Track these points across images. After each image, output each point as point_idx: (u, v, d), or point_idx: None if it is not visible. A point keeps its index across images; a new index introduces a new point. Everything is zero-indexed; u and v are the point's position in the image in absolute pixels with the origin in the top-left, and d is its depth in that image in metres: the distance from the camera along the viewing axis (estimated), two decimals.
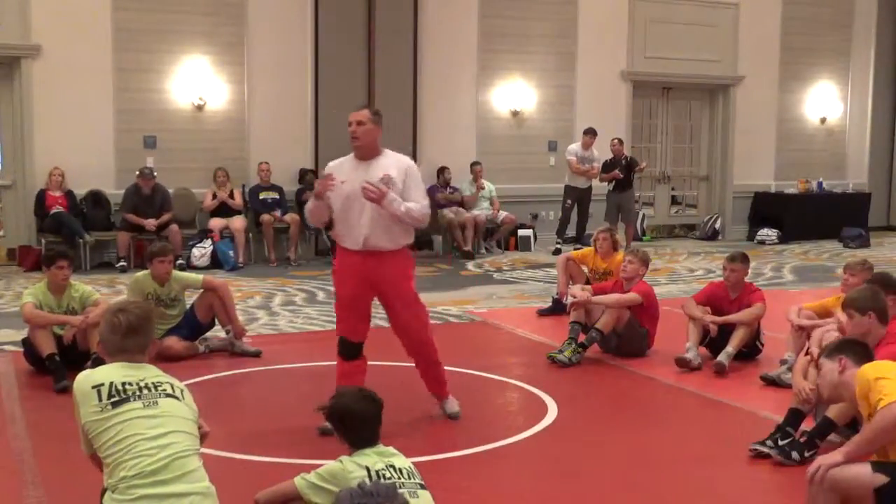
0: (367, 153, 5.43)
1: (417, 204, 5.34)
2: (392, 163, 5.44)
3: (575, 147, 14.12)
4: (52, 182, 12.01)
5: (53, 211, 11.88)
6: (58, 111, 12.22)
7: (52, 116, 12.23)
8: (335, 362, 5.67)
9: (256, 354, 7.33)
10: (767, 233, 16.10)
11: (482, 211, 14.07)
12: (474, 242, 13.84)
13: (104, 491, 3.37)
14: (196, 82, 12.96)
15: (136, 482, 3.29)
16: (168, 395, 3.52)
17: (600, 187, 14.30)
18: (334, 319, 8.78)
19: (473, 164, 14.34)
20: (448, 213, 13.81)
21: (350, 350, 5.59)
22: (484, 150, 14.69)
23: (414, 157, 14.02)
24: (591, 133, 14.03)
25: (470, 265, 12.91)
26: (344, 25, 13.64)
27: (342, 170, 5.46)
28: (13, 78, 12.36)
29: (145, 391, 3.48)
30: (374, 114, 5.47)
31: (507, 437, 5.46)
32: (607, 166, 14.06)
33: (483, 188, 14.24)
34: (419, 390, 6.40)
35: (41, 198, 12.04)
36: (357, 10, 13.72)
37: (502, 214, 14.34)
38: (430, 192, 14.06)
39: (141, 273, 7.54)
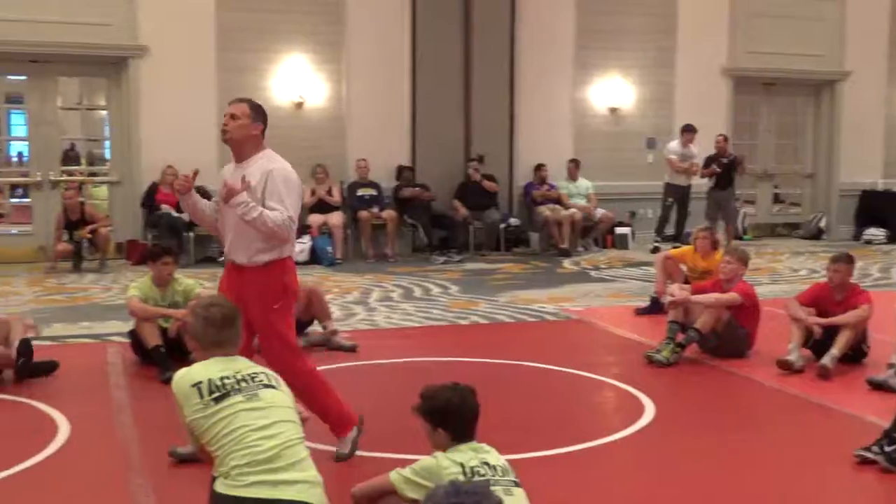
0: (239, 153, 4.79)
1: (274, 213, 4.57)
2: (259, 166, 4.70)
3: (674, 144, 13.93)
4: (165, 180, 12.31)
5: (159, 211, 12.19)
6: (163, 109, 12.54)
7: (158, 115, 12.55)
8: (430, 358, 5.67)
9: (353, 349, 7.40)
10: (875, 232, 15.63)
11: (579, 208, 13.95)
12: (571, 240, 13.74)
13: (215, 478, 3.44)
14: (296, 80, 13.16)
15: (247, 470, 3.36)
16: (266, 386, 3.59)
17: (700, 185, 14.07)
18: (431, 316, 8.94)
19: (570, 161, 14.26)
20: (545, 210, 13.75)
21: None
22: (581, 147, 14.58)
23: (510, 154, 14.05)
24: (690, 130, 13.81)
25: (566, 263, 12.83)
26: (441, 23, 13.69)
27: (225, 171, 4.89)
28: (121, 78, 12.73)
29: (244, 384, 3.55)
30: (253, 108, 4.81)
31: (602, 436, 5.41)
32: (708, 162, 13.83)
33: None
34: (513, 386, 6.40)
35: (152, 192, 12.37)
36: (454, 7, 13.76)
37: (600, 212, 14.23)
38: (527, 188, 14.07)
39: None
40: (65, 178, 13.16)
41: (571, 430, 5.51)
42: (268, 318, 4.74)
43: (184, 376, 3.59)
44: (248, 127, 4.75)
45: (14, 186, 14.83)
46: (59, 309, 9.21)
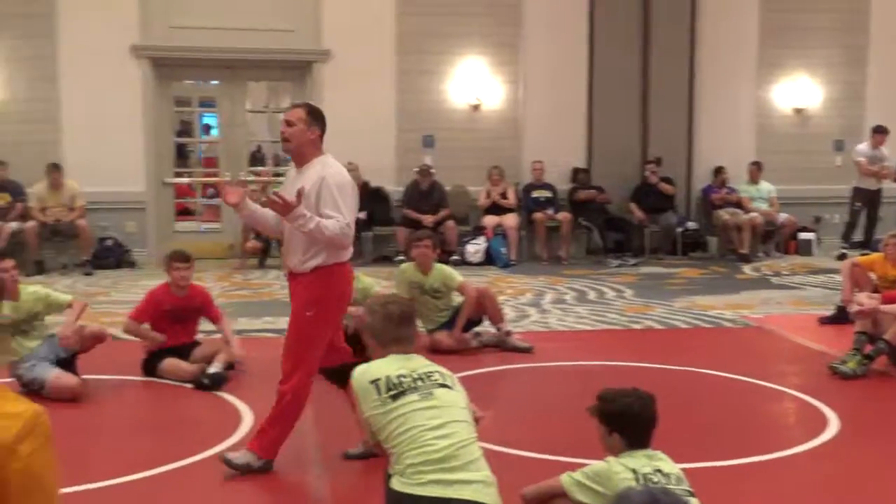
0: (298, 159, 4.75)
1: (331, 220, 4.53)
2: (315, 172, 4.64)
3: (863, 147, 13.29)
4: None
5: None
6: (344, 112, 12.82)
7: (339, 117, 12.78)
8: (604, 362, 5.61)
9: (528, 351, 7.41)
10: None
11: (760, 212, 13.50)
12: (751, 245, 13.32)
13: (390, 475, 3.51)
14: (473, 83, 13.28)
15: (423, 469, 3.41)
16: (441, 385, 3.63)
17: (892, 189, 13.38)
18: (605, 320, 8.86)
19: (752, 164, 13.83)
20: (724, 214, 13.39)
21: (330, 377, 5.07)
22: (763, 149, 14.11)
23: (689, 156, 13.76)
24: (881, 131, 13.15)
25: (746, 268, 12.45)
26: (619, 24, 13.54)
27: (287, 178, 4.89)
28: (305, 81, 13.18)
29: (419, 382, 3.60)
30: (309, 113, 4.73)
31: (782, 449, 5.22)
32: None
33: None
34: (688, 393, 6.26)
35: None
36: (633, 7, 13.59)
37: (782, 216, 13.73)
38: (706, 192, 13.73)
39: (405, 264, 7.83)
40: (252, 178, 13.72)
41: (749, 441, 5.34)
42: (297, 321, 4.68)
43: (363, 372, 3.68)
44: (304, 132, 4.68)
45: (205, 186, 15.55)
46: (243, 304, 9.62)
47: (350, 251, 4.77)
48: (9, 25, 12.10)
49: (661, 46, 13.61)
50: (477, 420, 3.72)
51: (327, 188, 4.55)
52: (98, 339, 6.44)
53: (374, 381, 3.60)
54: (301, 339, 4.68)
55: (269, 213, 4.78)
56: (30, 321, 6.21)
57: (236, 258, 12.48)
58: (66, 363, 6.28)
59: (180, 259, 6.67)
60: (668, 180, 13.48)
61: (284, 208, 4.46)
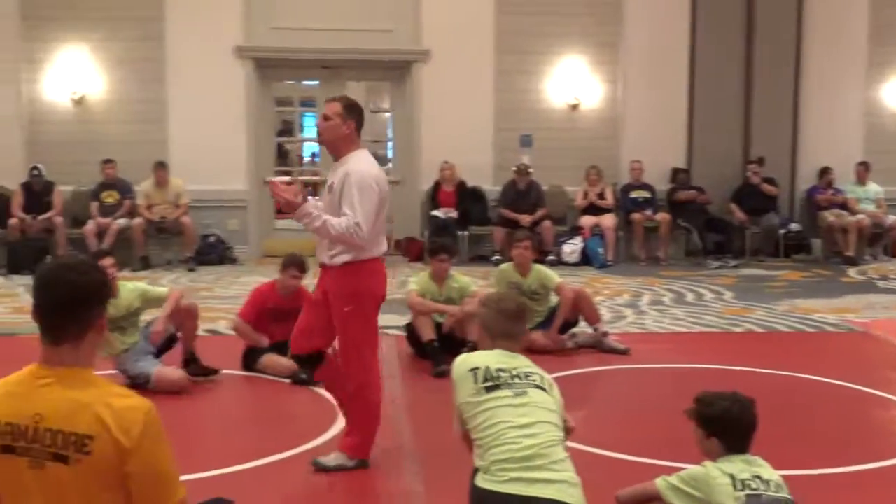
0: (335, 153, 4.72)
1: (340, 219, 4.49)
2: (343, 169, 4.61)
3: None
4: (443, 176, 12.77)
5: (434, 212, 12.61)
6: (443, 112, 12.96)
7: (438, 117, 12.98)
8: (702, 365, 5.52)
9: (625, 352, 7.35)
10: None
11: (867, 214, 13.11)
12: (858, 247, 12.94)
13: (475, 471, 3.53)
14: (571, 82, 13.20)
15: (506, 466, 3.42)
16: (536, 386, 3.62)
17: None
18: (703, 322, 8.72)
19: (859, 164, 13.44)
20: (829, 215, 13.04)
21: (302, 364, 5.07)
22: (872, 150, 13.68)
23: (792, 156, 13.45)
24: None
25: (851, 272, 12.11)
26: (722, 21, 13.30)
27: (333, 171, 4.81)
28: (405, 81, 13.29)
29: (516, 380, 3.61)
30: (345, 107, 4.66)
31: (886, 458, 5.06)
32: None
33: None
34: (789, 399, 6.13)
35: (436, 189, 12.83)
36: (736, 5, 13.34)
37: (890, 218, 13.29)
38: (810, 192, 13.41)
39: (505, 264, 7.84)
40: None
41: (854, 448, 5.20)
42: (340, 320, 4.66)
43: (465, 360, 3.71)
44: (339, 127, 4.64)
45: (305, 185, 15.81)
46: None
47: (382, 247, 4.78)
48: (121, 28, 12.48)
49: (765, 43, 13.32)
50: (569, 430, 3.69)
51: (349, 185, 4.53)
52: (191, 314, 6.55)
53: (474, 370, 3.62)
54: (348, 338, 4.70)
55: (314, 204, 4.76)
56: (128, 317, 6.37)
57: None
58: (168, 349, 6.47)
59: (300, 269, 6.83)
60: (770, 181, 13.19)
61: (289, 206, 4.51)
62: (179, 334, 6.57)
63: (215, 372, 6.50)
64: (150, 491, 2.46)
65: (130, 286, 6.48)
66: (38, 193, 12.09)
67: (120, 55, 12.55)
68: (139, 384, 6.12)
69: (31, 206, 12.02)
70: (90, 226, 11.89)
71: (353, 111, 4.70)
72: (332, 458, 4.78)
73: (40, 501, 2.41)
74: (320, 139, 4.76)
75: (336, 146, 4.69)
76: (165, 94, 12.61)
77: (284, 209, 4.62)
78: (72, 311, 2.48)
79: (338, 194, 4.56)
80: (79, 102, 12.59)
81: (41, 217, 11.94)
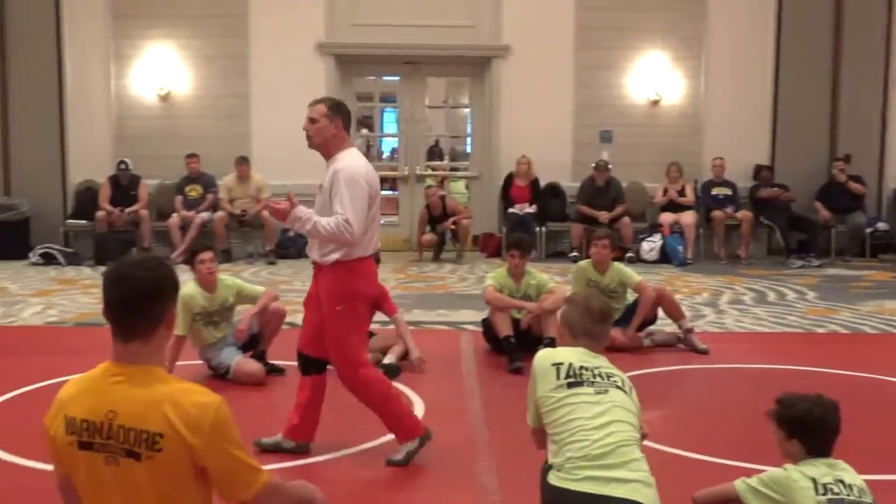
0: (325, 155, 4.72)
1: (329, 218, 4.51)
2: (332, 168, 4.64)
3: None
4: (518, 170, 12.75)
5: (512, 211, 12.59)
6: (522, 108, 12.93)
7: (516, 112, 12.96)
8: (783, 366, 5.41)
9: (704, 352, 7.25)
10: None
11: None
12: None
13: (548, 468, 3.51)
14: (652, 78, 13.07)
15: (581, 463, 3.39)
16: (617, 387, 3.59)
17: None
18: (786, 322, 8.55)
19: None
20: None
21: (301, 363, 4.97)
22: None
23: (881, 153, 13.14)
24: None
25: None
26: (809, 16, 13.04)
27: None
28: (484, 77, 13.29)
29: (598, 379, 3.58)
30: (330, 108, 4.68)
31: None
32: None
33: None
34: (876, 402, 5.99)
35: (507, 184, 12.82)
36: (824, 3, 13.04)
37: None
38: None
39: (584, 261, 7.79)
40: (429, 172, 13.96)
41: None
42: (331, 319, 4.66)
43: (548, 354, 3.70)
44: (326, 128, 4.65)
45: (383, 180, 15.92)
46: (418, 296, 9.79)
47: (372, 245, 4.78)
48: (206, 25, 12.73)
49: (853, 37, 13.01)
50: (643, 437, 3.65)
51: (337, 182, 4.55)
52: (278, 317, 6.64)
53: (557, 365, 3.61)
54: (340, 336, 4.70)
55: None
56: (222, 312, 6.47)
57: (412, 251, 12.73)
58: (252, 347, 6.56)
59: (374, 261, 6.84)
60: (857, 178, 12.88)
61: (279, 214, 4.59)
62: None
63: (281, 371, 6.57)
64: (230, 481, 2.51)
65: (228, 281, 6.55)
66: (124, 187, 12.40)
67: (205, 52, 12.79)
68: (220, 374, 6.24)
69: (117, 200, 12.33)
70: (174, 219, 12.15)
71: (339, 111, 4.73)
72: (400, 453, 4.82)
73: (118, 497, 2.47)
74: (310, 143, 4.74)
75: (326, 147, 4.71)
76: (248, 90, 12.81)
77: (276, 217, 4.70)
78: (139, 308, 2.51)
79: (328, 193, 4.59)
80: (164, 98, 12.87)
81: (128, 210, 12.24)
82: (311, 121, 4.68)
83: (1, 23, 12.53)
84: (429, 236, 12.53)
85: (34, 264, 11.79)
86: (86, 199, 12.58)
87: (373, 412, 4.89)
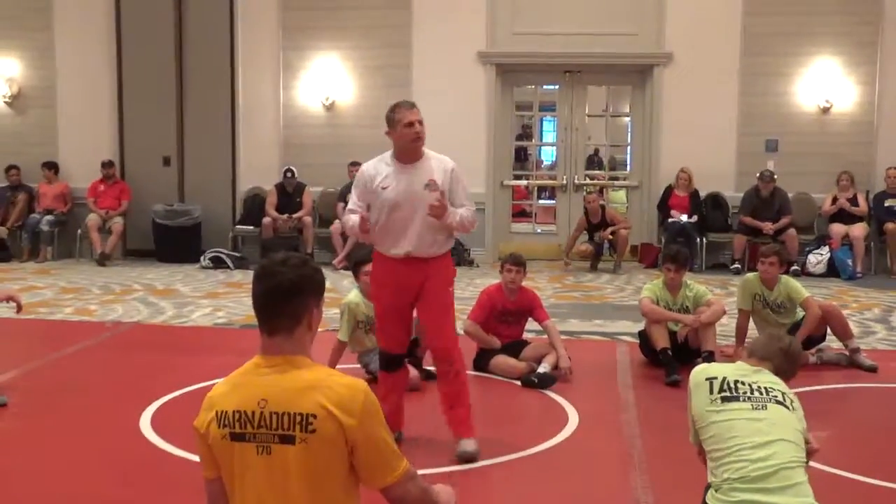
0: (419, 155, 5.06)
1: (467, 210, 5.07)
2: (435, 165, 5.06)
3: None
4: (679, 182, 12.52)
5: (671, 219, 12.38)
6: (683, 116, 12.68)
7: (678, 121, 12.72)
8: None
9: (872, 369, 6.94)
10: None
11: None
12: None
13: (708, 487, 3.44)
14: (823, 84, 12.60)
15: (738, 485, 3.29)
16: (778, 402, 3.47)
17: None
18: None
19: None
20: None
21: (391, 362, 5.20)
22: None
23: None
24: None
25: None
26: None
27: (380, 174, 5.04)
28: (645, 85, 13.11)
29: (756, 393, 3.48)
30: None
31: None
32: None
33: None
34: None
35: (666, 195, 12.61)
36: None
37: None
38: None
39: (751, 274, 7.55)
40: (587, 181, 13.86)
41: None
42: (445, 302, 5.06)
43: (704, 369, 3.65)
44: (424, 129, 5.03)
45: (541, 189, 15.88)
46: (575, 306, 9.73)
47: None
48: (371, 36, 13.01)
49: None
50: (811, 452, 3.51)
51: (457, 179, 5.10)
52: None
53: (710, 379, 3.54)
54: (451, 315, 5.15)
55: (362, 217, 5.02)
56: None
57: (564, 258, 12.64)
58: (410, 353, 6.65)
59: (513, 262, 6.87)
60: None
61: (443, 212, 4.89)
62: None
63: (434, 377, 6.63)
64: (375, 461, 2.58)
65: None
66: (290, 194, 12.80)
67: (369, 62, 13.08)
68: (374, 380, 6.36)
69: (283, 206, 12.74)
70: (336, 225, 12.46)
71: None
72: (470, 448, 5.00)
73: (266, 488, 2.56)
74: (420, 142, 5.04)
75: (421, 147, 5.07)
76: (410, 99, 12.97)
77: (440, 214, 4.92)
78: (281, 303, 2.61)
79: (446, 189, 4.97)
80: (329, 108, 13.22)
81: (293, 216, 12.63)
82: (420, 122, 5.02)
83: (178, 36, 13.16)
84: (584, 246, 12.43)
85: (204, 268, 12.31)
86: (253, 206, 13.05)
87: (443, 396, 5.16)
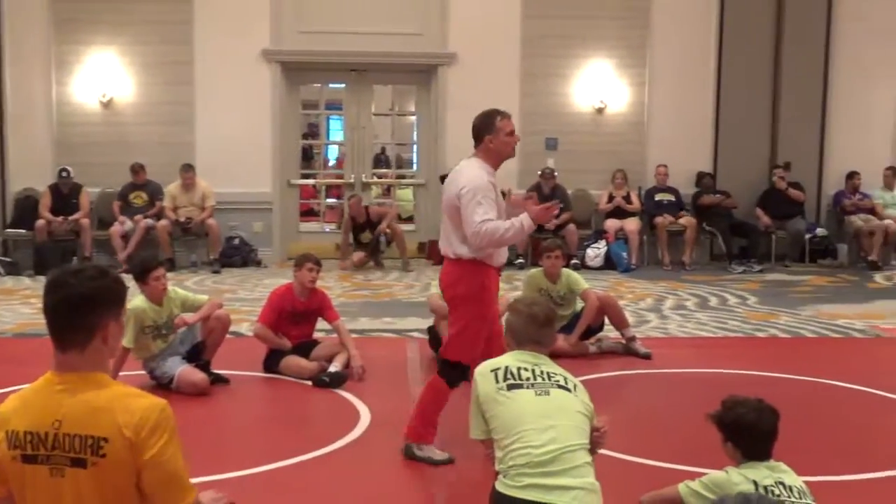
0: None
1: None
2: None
3: None
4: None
5: None
6: (468, 116, 12.76)
7: (463, 121, 12.81)
8: (725, 371, 5.47)
9: (647, 356, 7.32)
10: None
11: (895, 219, 12.99)
12: (883, 253, 12.83)
13: (497, 474, 3.53)
14: (598, 85, 13.17)
15: (524, 471, 3.41)
16: (560, 387, 3.61)
17: None
18: (727, 327, 8.67)
19: (887, 169, 13.32)
20: (856, 220, 12.95)
21: (464, 375, 4.77)
22: None
23: (819, 161, 13.38)
24: None
25: (878, 277, 12.01)
26: (749, 24, 13.24)
27: (488, 178, 4.96)
28: (430, 85, 13.30)
29: (539, 379, 3.60)
30: None
31: None
32: None
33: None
34: (814, 405, 6.09)
35: None
36: (765, 9, 13.26)
37: None
38: (837, 197, 13.34)
39: (535, 269, 7.82)
40: (375, 180, 13.92)
41: (878, 455, 5.15)
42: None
43: (488, 362, 3.74)
44: None
45: (328, 188, 15.84)
46: (364, 304, 9.76)
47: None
48: (150, 32, 12.58)
49: (793, 46, 13.23)
50: (597, 432, 3.64)
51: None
52: (222, 324, 6.56)
53: (495, 370, 3.63)
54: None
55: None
56: (169, 324, 6.40)
57: (341, 260, 12.59)
58: (195, 357, 6.48)
59: (314, 261, 6.84)
60: (797, 185, 13.11)
61: (547, 216, 4.83)
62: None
63: (226, 381, 6.51)
64: (162, 490, 2.47)
65: (173, 294, 6.48)
66: (65, 195, 12.21)
67: (148, 58, 12.64)
68: (163, 385, 6.17)
69: (58, 208, 12.13)
70: (116, 227, 11.99)
71: None
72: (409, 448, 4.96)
73: None
74: (513, 153, 5.12)
75: None
76: (193, 97, 12.68)
77: (543, 218, 4.80)
78: (71, 317, 2.46)
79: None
80: (107, 105, 12.69)
81: (69, 219, 12.04)
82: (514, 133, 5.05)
83: None
84: (356, 257, 12.39)
85: None
86: (25, 208, 12.36)
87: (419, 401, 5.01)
